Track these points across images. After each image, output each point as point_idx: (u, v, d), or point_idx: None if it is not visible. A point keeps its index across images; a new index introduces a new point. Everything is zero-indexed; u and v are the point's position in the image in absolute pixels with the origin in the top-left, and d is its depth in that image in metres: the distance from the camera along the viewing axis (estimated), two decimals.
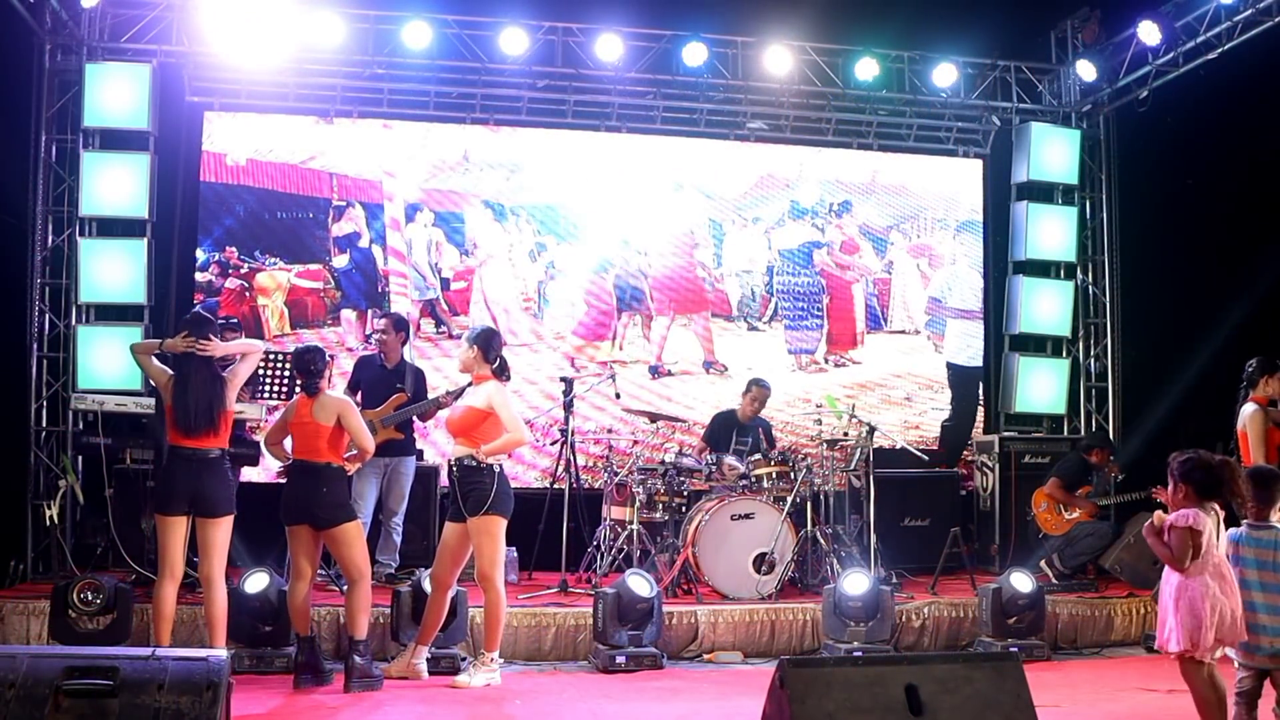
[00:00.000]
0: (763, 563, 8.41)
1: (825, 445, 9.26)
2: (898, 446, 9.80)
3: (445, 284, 10.72)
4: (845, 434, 9.34)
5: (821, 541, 8.74)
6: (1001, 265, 11.50)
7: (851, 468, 9.33)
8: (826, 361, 11.39)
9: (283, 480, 6.97)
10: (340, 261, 10.55)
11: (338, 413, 6.70)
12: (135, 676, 4.12)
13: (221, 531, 6.51)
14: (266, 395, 8.14)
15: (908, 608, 8.24)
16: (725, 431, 9.52)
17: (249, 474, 8.88)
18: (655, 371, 11.05)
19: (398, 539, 8.71)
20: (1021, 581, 7.83)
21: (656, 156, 11.15)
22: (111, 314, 9.68)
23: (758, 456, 8.99)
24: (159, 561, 6.51)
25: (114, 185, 9.60)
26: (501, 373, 6.95)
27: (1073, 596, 8.61)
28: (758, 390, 9.69)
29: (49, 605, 7.16)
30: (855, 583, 7.63)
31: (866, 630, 7.56)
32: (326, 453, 6.69)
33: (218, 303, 10.18)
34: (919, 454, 9.75)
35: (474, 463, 6.65)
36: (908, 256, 11.65)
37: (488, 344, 6.91)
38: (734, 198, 11.31)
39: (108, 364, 9.42)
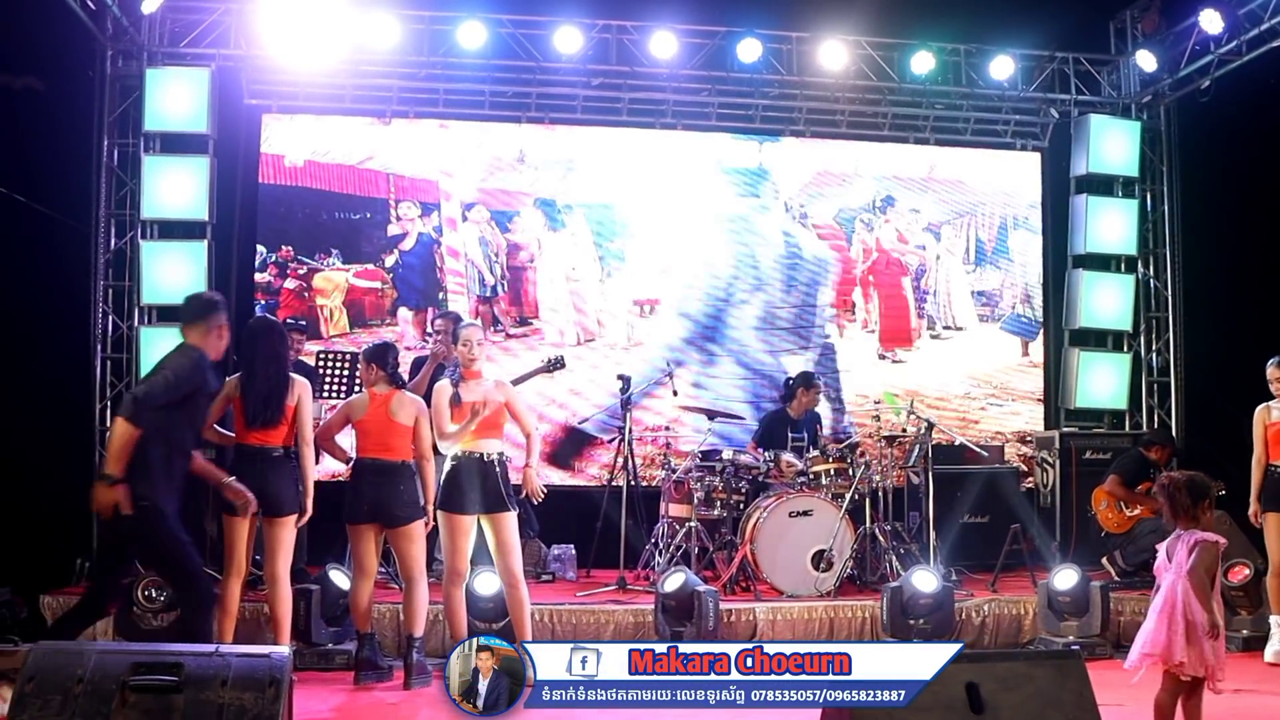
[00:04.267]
0: (821, 560, 8.37)
1: (884, 442, 9.20)
2: (956, 443, 9.73)
3: (502, 282, 10.76)
4: (904, 430, 9.29)
5: (880, 538, 8.70)
6: (1061, 259, 11.37)
7: (910, 464, 9.27)
8: (882, 358, 11.34)
9: (342, 479, 6.99)
10: (397, 261, 10.62)
11: (416, 414, 6.75)
12: (199, 672, 4.16)
13: (287, 530, 6.53)
14: (326, 394, 8.18)
15: (968, 605, 8.18)
16: (779, 429, 9.46)
17: None
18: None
19: None
20: (924, 581, 7.76)
21: (710, 152, 11.13)
22: (173, 315, 9.72)
23: (816, 453, 8.94)
24: (224, 560, 6.56)
25: (174, 188, 9.71)
26: None
27: (1135, 594, 8.48)
28: (809, 386, 9.67)
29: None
30: (923, 580, 7.68)
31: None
32: (404, 451, 6.73)
33: (277, 303, 10.29)
34: (979, 450, 9.66)
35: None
36: (951, 253, 11.57)
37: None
38: (791, 193, 11.27)
39: None
